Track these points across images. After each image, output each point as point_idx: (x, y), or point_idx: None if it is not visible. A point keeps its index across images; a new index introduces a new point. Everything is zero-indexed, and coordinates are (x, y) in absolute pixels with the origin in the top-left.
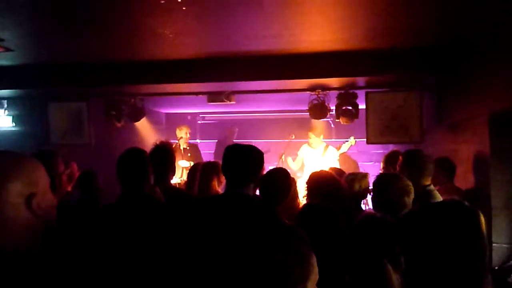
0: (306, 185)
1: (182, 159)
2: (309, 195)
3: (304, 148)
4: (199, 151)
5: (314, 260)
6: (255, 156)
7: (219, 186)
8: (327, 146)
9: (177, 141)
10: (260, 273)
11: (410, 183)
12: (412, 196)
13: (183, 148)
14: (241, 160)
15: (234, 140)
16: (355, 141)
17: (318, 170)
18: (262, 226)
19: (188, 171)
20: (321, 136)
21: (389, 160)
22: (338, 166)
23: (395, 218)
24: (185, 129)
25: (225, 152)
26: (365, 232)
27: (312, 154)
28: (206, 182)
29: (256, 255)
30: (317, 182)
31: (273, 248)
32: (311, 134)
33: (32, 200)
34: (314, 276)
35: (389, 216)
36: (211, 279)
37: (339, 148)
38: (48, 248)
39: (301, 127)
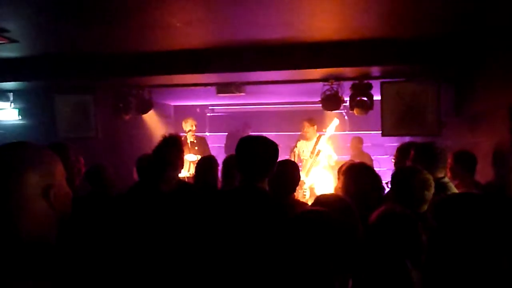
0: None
1: (189, 152)
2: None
3: (300, 143)
4: (207, 144)
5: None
6: (272, 149)
7: None
8: (319, 136)
9: (185, 134)
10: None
11: (430, 177)
12: (432, 190)
13: (190, 141)
14: (259, 153)
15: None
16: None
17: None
18: (283, 222)
19: (195, 165)
20: (315, 126)
21: (403, 152)
22: (330, 152)
23: (414, 213)
24: (190, 122)
25: (239, 144)
26: (385, 228)
27: (306, 147)
28: (231, 177)
29: (279, 252)
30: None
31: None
32: (305, 123)
33: (49, 192)
34: (341, 268)
35: (410, 211)
36: (231, 275)
37: (326, 130)
38: (63, 240)
39: (315, 120)
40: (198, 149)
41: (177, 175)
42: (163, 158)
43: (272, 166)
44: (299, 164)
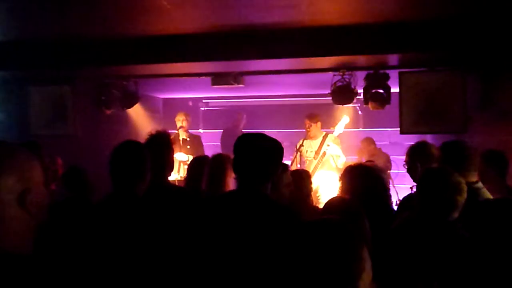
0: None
1: (180, 151)
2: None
3: (303, 142)
4: (201, 143)
5: (364, 255)
6: (275, 148)
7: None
8: (326, 134)
9: (176, 131)
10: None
11: (463, 180)
12: (465, 195)
13: (182, 139)
14: (259, 153)
15: (243, 130)
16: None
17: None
18: (290, 231)
19: (187, 166)
20: (319, 123)
21: (415, 153)
22: (338, 153)
23: (443, 222)
24: (182, 117)
25: (236, 143)
26: (406, 241)
27: (310, 146)
28: (218, 178)
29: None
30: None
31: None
32: (306, 120)
33: (25, 197)
34: (367, 274)
35: (437, 219)
36: None
37: (334, 128)
38: (40, 248)
39: (323, 115)
40: (190, 148)
41: (167, 177)
42: (152, 158)
43: (276, 168)
44: (298, 166)
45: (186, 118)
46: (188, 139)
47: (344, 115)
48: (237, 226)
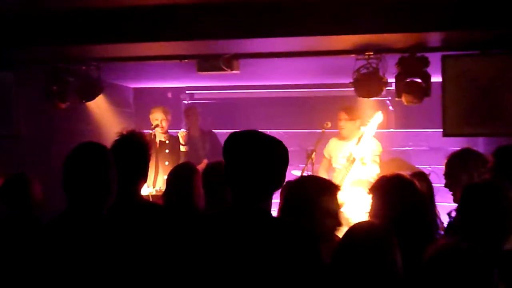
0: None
1: (158, 157)
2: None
3: (333, 143)
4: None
5: None
6: (279, 151)
7: None
8: (361, 136)
9: (151, 131)
10: None
11: None
12: None
13: (160, 141)
14: (259, 157)
15: (224, 131)
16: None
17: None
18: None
19: (167, 176)
20: (358, 121)
21: (459, 163)
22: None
23: (492, 251)
24: (160, 113)
25: (227, 144)
26: (445, 272)
27: (341, 149)
28: (216, 192)
29: None
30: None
31: None
32: (342, 114)
33: None
34: None
35: (481, 248)
36: None
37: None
38: None
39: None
40: (170, 152)
41: (139, 191)
42: (119, 167)
43: (280, 177)
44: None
45: (165, 115)
46: (167, 141)
47: (378, 112)
48: (235, 257)
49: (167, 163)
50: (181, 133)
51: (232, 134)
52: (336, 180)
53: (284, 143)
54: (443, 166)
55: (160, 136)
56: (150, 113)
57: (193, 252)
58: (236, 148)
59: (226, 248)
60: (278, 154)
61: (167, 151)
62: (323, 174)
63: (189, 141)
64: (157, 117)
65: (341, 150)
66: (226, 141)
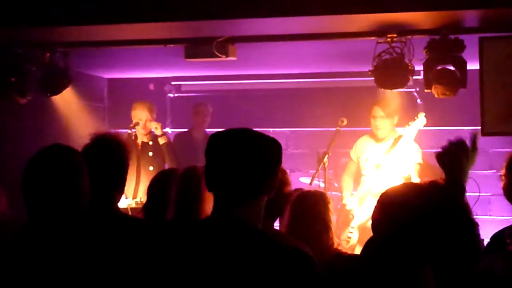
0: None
1: (140, 161)
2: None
3: (363, 144)
4: (172, 148)
5: None
6: (268, 150)
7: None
8: (399, 137)
9: (129, 131)
10: None
11: None
12: None
13: (142, 142)
14: (242, 158)
15: (217, 130)
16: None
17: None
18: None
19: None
20: (396, 118)
21: None
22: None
23: None
24: (144, 112)
25: (210, 144)
26: None
27: (376, 152)
28: (191, 201)
29: None
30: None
31: None
32: (377, 111)
33: None
34: None
35: None
36: None
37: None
38: None
39: (360, 104)
40: (153, 155)
41: (116, 203)
42: (92, 175)
43: (269, 182)
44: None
45: (150, 114)
46: (150, 142)
47: (421, 114)
48: (203, 278)
49: (151, 168)
50: (152, 124)
51: (216, 132)
52: (362, 188)
53: (289, 144)
54: (486, 171)
55: (142, 137)
56: (132, 109)
57: (157, 271)
58: (217, 147)
59: (194, 267)
60: (266, 154)
61: (150, 154)
62: (348, 182)
63: (190, 143)
64: (141, 116)
65: (373, 152)
66: (209, 139)
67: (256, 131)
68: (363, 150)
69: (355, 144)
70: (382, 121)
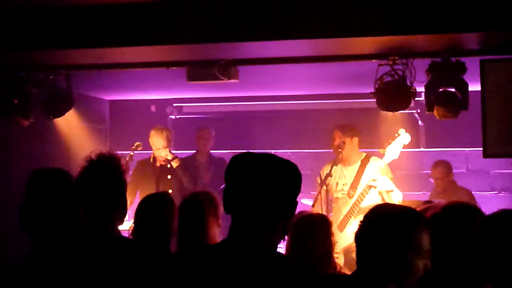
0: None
1: (158, 183)
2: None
3: (333, 170)
4: (184, 168)
5: None
6: (293, 175)
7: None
8: (367, 157)
9: (132, 152)
10: None
11: None
12: None
13: (161, 165)
14: (271, 182)
15: (219, 151)
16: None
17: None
18: None
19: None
20: (355, 139)
21: None
22: (391, 187)
23: None
24: (159, 139)
25: (231, 167)
26: None
27: (342, 177)
28: (196, 227)
29: None
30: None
31: None
32: (337, 134)
33: None
34: None
35: None
36: None
37: (384, 151)
38: None
39: (363, 127)
40: (172, 178)
41: (116, 226)
42: (89, 198)
43: (289, 208)
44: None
45: (166, 141)
46: (168, 165)
47: (401, 130)
48: None
49: (170, 191)
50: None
51: (238, 155)
52: (340, 213)
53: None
54: (488, 192)
55: (162, 160)
56: (150, 136)
57: None
58: (239, 170)
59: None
60: (292, 179)
61: (169, 176)
62: (318, 209)
63: (194, 167)
64: (158, 145)
65: (342, 176)
66: (230, 162)
67: (281, 157)
68: (332, 175)
69: (322, 170)
70: (342, 144)
